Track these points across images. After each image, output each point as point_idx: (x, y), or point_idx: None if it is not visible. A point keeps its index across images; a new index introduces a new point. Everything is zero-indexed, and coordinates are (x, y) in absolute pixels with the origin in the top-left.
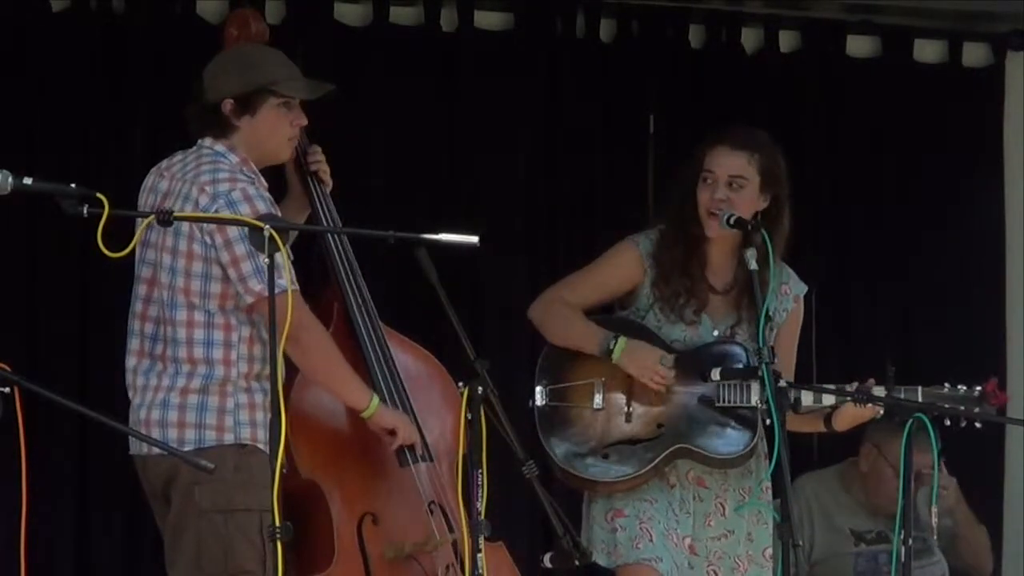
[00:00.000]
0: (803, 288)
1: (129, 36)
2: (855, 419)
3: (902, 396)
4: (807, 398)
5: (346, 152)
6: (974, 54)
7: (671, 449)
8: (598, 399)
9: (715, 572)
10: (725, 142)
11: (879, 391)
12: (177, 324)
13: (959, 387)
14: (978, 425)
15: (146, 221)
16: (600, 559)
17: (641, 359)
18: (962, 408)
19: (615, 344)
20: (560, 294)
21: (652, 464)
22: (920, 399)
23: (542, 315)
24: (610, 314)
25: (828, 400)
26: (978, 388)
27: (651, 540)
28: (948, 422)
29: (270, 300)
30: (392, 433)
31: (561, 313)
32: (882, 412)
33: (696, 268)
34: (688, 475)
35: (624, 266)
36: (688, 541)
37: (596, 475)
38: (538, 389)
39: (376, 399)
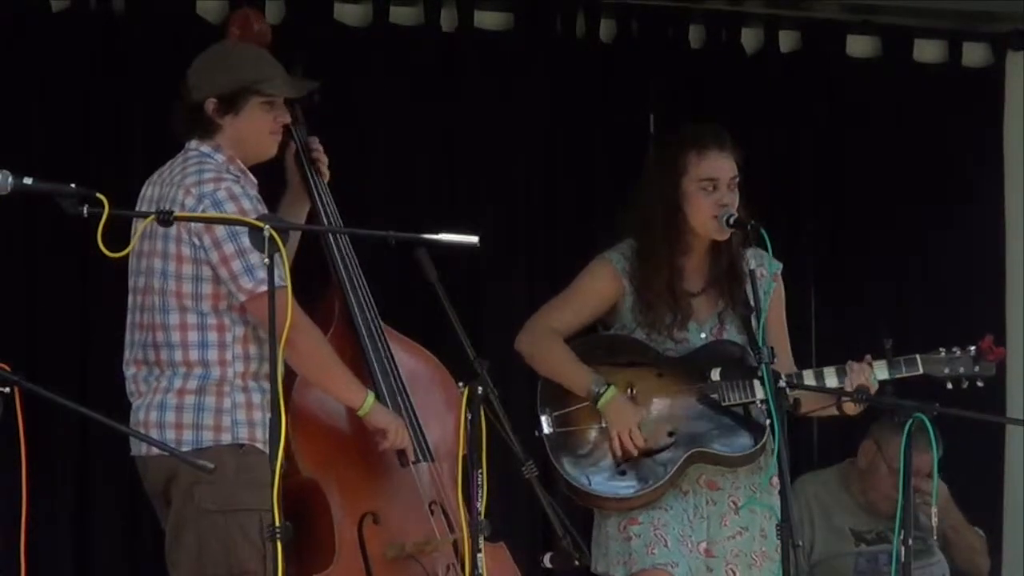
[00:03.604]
0: (778, 265)
1: (129, 36)
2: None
3: (902, 366)
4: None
5: (346, 152)
6: (974, 54)
7: (687, 455)
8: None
9: (733, 571)
10: (712, 146)
11: (879, 365)
12: (170, 328)
13: (954, 349)
14: (980, 384)
15: (143, 224)
16: (617, 571)
17: (623, 417)
18: (962, 375)
19: (604, 391)
20: (546, 323)
21: (671, 472)
22: (920, 367)
23: (530, 348)
24: (595, 332)
25: (831, 383)
26: (972, 347)
27: (666, 545)
28: (951, 385)
29: (269, 298)
30: (383, 435)
31: (550, 348)
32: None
33: (678, 283)
34: (700, 480)
35: (601, 285)
36: (704, 546)
37: (619, 493)
38: (543, 418)
39: (371, 396)
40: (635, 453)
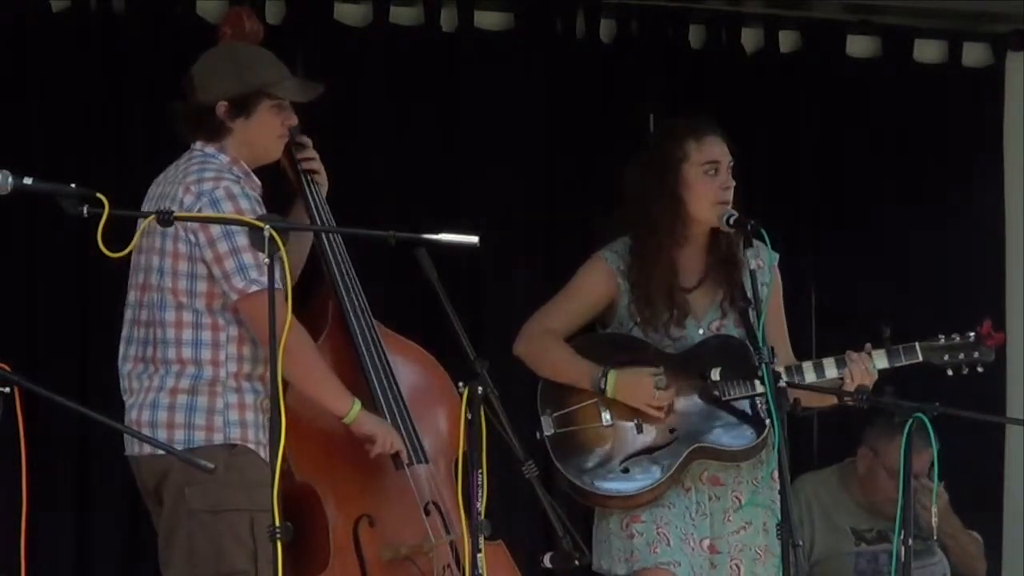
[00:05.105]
0: (775, 256)
1: (129, 36)
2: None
3: (901, 355)
4: (810, 376)
5: (346, 152)
6: (974, 54)
7: (689, 450)
8: (606, 416)
9: (737, 566)
10: (709, 132)
11: (879, 355)
12: (166, 325)
13: (954, 336)
14: (980, 369)
15: (144, 223)
16: (619, 568)
17: (636, 390)
18: (962, 361)
19: (606, 381)
20: (543, 325)
21: (673, 469)
22: (919, 355)
23: (527, 351)
24: (593, 332)
25: (831, 374)
26: (971, 333)
27: (668, 544)
28: (951, 371)
29: (269, 297)
30: (371, 441)
31: (548, 348)
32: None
33: (673, 279)
34: (702, 476)
35: (598, 284)
36: (707, 543)
37: (622, 491)
38: (544, 419)
39: (357, 405)
40: (669, 404)
